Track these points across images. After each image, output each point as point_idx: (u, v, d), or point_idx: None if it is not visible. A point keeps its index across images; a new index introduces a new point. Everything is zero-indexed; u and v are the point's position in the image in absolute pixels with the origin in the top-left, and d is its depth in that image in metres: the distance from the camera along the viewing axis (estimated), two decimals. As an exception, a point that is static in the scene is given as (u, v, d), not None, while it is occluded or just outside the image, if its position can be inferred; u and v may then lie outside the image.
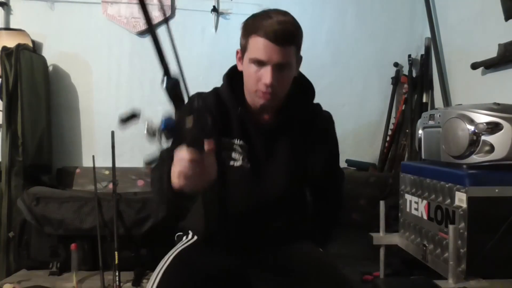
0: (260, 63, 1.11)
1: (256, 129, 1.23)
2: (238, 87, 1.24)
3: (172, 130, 0.79)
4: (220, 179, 1.14)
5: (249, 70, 1.15)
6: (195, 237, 1.30)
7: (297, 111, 1.26)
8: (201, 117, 0.81)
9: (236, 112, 1.21)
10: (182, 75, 0.82)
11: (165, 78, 0.79)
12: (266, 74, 1.11)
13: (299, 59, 1.23)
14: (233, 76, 1.25)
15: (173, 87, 0.79)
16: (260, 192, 1.23)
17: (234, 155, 1.22)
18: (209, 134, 0.83)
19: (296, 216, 1.31)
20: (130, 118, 0.84)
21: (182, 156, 0.84)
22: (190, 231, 1.33)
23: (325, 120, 1.35)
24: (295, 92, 1.26)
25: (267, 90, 1.12)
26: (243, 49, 1.18)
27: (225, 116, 1.23)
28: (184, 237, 1.32)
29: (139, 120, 0.84)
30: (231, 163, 1.22)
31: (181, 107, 0.81)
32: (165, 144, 0.81)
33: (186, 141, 0.81)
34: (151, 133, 0.80)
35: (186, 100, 0.82)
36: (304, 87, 1.32)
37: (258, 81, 1.13)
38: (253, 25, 1.13)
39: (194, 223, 1.33)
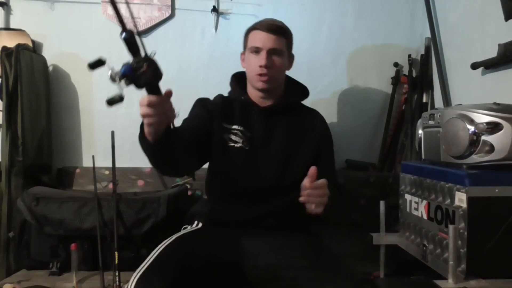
0: (257, 51, 1.41)
1: (256, 116, 1.43)
2: (242, 85, 1.50)
3: (129, 75, 0.91)
4: (221, 158, 1.39)
5: (249, 60, 1.44)
6: (200, 225, 1.43)
7: (293, 100, 1.50)
8: (154, 66, 0.92)
9: (240, 100, 1.45)
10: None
11: (123, 30, 0.89)
12: (261, 58, 1.39)
13: (290, 55, 1.52)
14: (238, 78, 1.53)
15: (130, 37, 0.90)
16: (258, 171, 1.39)
17: (234, 138, 1.41)
18: (160, 77, 0.95)
19: (295, 198, 1.35)
20: (97, 63, 0.98)
21: (142, 101, 1.00)
22: (195, 221, 1.46)
23: (321, 117, 1.57)
24: (291, 88, 1.52)
25: (263, 71, 1.39)
26: (245, 46, 1.48)
27: (229, 106, 1.45)
28: (189, 227, 1.40)
29: (106, 66, 0.97)
30: (231, 144, 1.41)
31: (138, 55, 0.91)
32: (125, 88, 0.93)
33: (140, 84, 0.94)
34: (113, 78, 0.92)
35: (141, 48, 0.93)
36: (299, 85, 1.57)
37: (256, 66, 1.40)
38: (252, 26, 1.46)
39: (200, 207, 1.53)
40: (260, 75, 1.39)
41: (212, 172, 1.53)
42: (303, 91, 1.57)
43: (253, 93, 1.47)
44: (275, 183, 1.40)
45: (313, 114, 1.57)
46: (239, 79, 1.53)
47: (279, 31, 1.42)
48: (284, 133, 1.44)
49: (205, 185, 1.59)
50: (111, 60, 0.94)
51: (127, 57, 0.96)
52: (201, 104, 1.49)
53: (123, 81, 0.91)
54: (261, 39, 1.40)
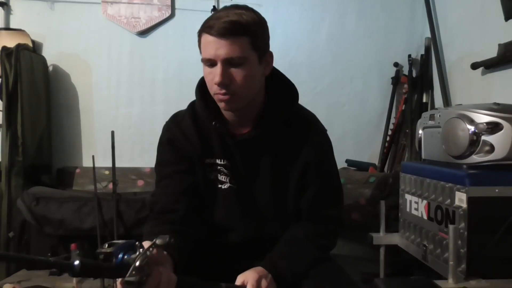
0: (211, 63, 1.04)
1: (236, 145, 1.13)
2: (213, 98, 1.12)
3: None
4: (212, 203, 1.15)
5: (204, 73, 1.08)
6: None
7: (277, 119, 1.13)
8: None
9: (213, 126, 1.12)
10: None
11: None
12: (216, 73, 1.02)
13: (264, 54, 1.09)
14: (205, 87, 1.14)
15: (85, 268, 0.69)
16: (252, 214, 1.16)
17: (220, 177, 1.15)
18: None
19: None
20: None
21: None
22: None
23: (317, 134, 1.19)
24: (275, 96, 1.15)
25: (221, 91, 1.04)
26: (200, 53, 1.09)
27: (205, 134, 1.15)
28: None
29: None
30: (219, 185, 1.15)
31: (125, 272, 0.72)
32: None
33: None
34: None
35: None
36: (284, 89, 1.17)
37: (212, 82, 1.05)
38: (202, 25, 1.06)
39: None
40: (220, 94, 1.05)
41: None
42: (291, 95, 1.18)
43: (225, 111, 1.14)
44: (272, 223, 1.17)
45: (303, 127, 1.18)
46: (206, 90, 1.14)
47: (235, 30, 1.01)
48: (271, 162, 1.15)
49: None
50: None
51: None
52: (172, 146, 1.17)
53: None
54: (211, 47, 1.01)
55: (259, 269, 1.01)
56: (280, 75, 1.19)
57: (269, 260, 1.05)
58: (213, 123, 1.12)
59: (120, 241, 0.76)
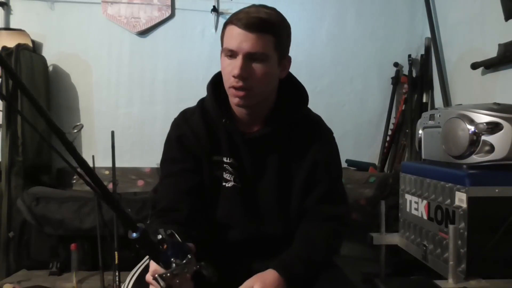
0: (232, 55, 1.04)
1: (244, 143, 1.13)
2: (224, 96, 1.13)
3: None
4: (215, 201, 1.14)
5: (223, 65, 1.09)
6: None
7: (287, 119, 1.14)
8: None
9: (222, 123, 1.12)
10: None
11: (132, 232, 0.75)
12: (236, 65, 1.02)
13: (283, 57, 1.11)
14: (218, 84, 1.16)
15: (143, 238, 0.76)
16: (254, 213, 1.15)
17: (225, 175, 1.14)
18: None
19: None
20: None
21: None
22: None
23: (324, 135, 1.20)
24: (286, 98, 1.16)
25: (238, 84, 1.03)
26: (222, 45, 1.12)
27: (213, 131, 1.15)
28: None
29: None
30: (223, 183, 1.14)
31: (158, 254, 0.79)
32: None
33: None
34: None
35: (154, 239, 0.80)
36: (295, 92, 1.19)
37: (229, 74, 1.04)
38: (229, 18, 1.07)
39: None
40: (235, 88, 1.04)
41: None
42: (301, 98, 1.19)
43: (236, 107, 1.12)
44: (275, 224, 1.16)
45: (311, 128, 1.19)
46: (217, 88, 1.16)
47: (263, 26, 1.01)
48: (278, 163, 1.15)
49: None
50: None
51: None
52: (180, 144, 1.15)
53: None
54: (237, 38, 1.02)
55: (270, 277, 0.98)
56: (293, 78, 1.20)
57: (283, 262, 1.03)
58: (224, 120, 1.11)
59: (178, 238, 0.80)
